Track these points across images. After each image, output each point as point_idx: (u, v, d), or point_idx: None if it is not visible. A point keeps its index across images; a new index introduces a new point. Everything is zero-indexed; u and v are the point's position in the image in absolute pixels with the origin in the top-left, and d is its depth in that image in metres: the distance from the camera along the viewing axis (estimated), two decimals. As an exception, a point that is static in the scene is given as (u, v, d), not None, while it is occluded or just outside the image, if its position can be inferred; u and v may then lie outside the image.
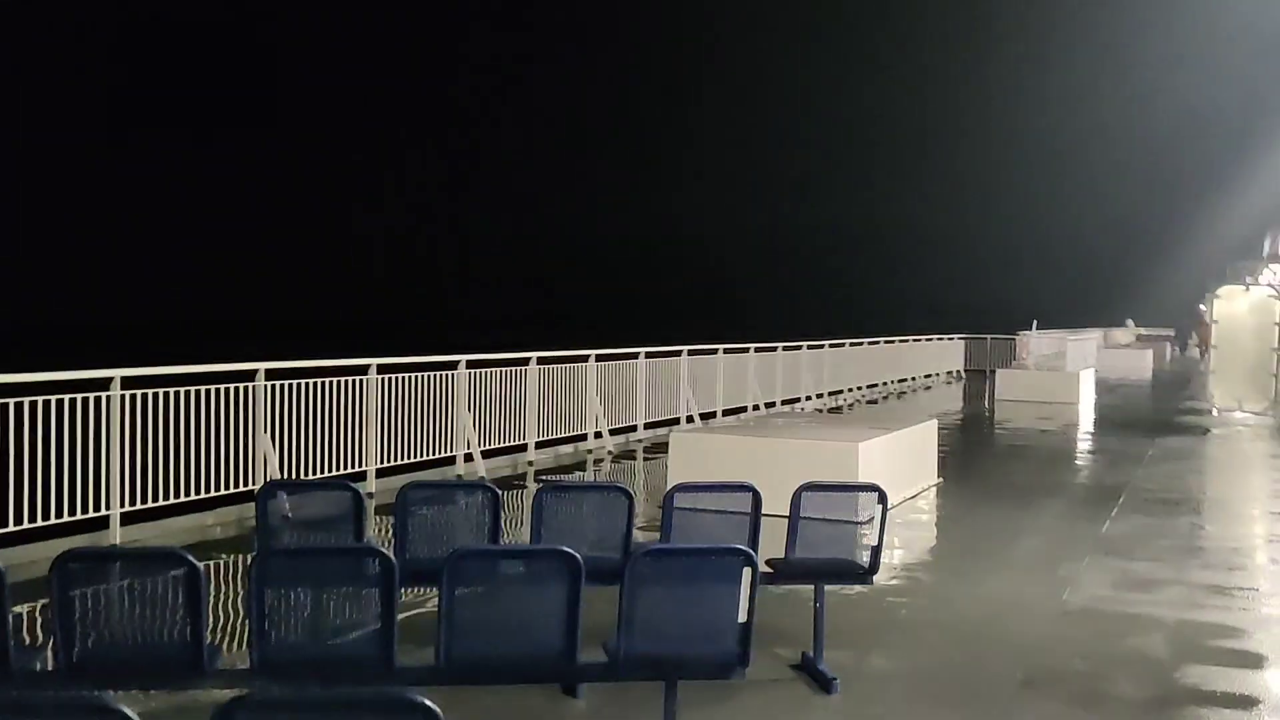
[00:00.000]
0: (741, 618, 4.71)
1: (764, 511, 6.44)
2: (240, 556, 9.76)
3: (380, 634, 4.52)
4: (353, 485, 6.32)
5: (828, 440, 11.62)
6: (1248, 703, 6.34)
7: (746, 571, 4.67)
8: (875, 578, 6.71)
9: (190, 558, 4.45)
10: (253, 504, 10.91)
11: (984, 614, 8.13)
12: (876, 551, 6.45)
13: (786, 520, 6.50)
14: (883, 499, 6.40)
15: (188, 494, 10.41)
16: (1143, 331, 64.22)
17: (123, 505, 9.80)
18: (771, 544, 6.31)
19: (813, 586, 6.60)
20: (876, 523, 6.39)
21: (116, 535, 9.70)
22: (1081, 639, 7.51)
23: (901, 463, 12.46)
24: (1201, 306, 69.24)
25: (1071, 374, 27.52)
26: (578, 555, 4.57)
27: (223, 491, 10.79)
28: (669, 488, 6.65)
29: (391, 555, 4.51)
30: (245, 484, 10.99)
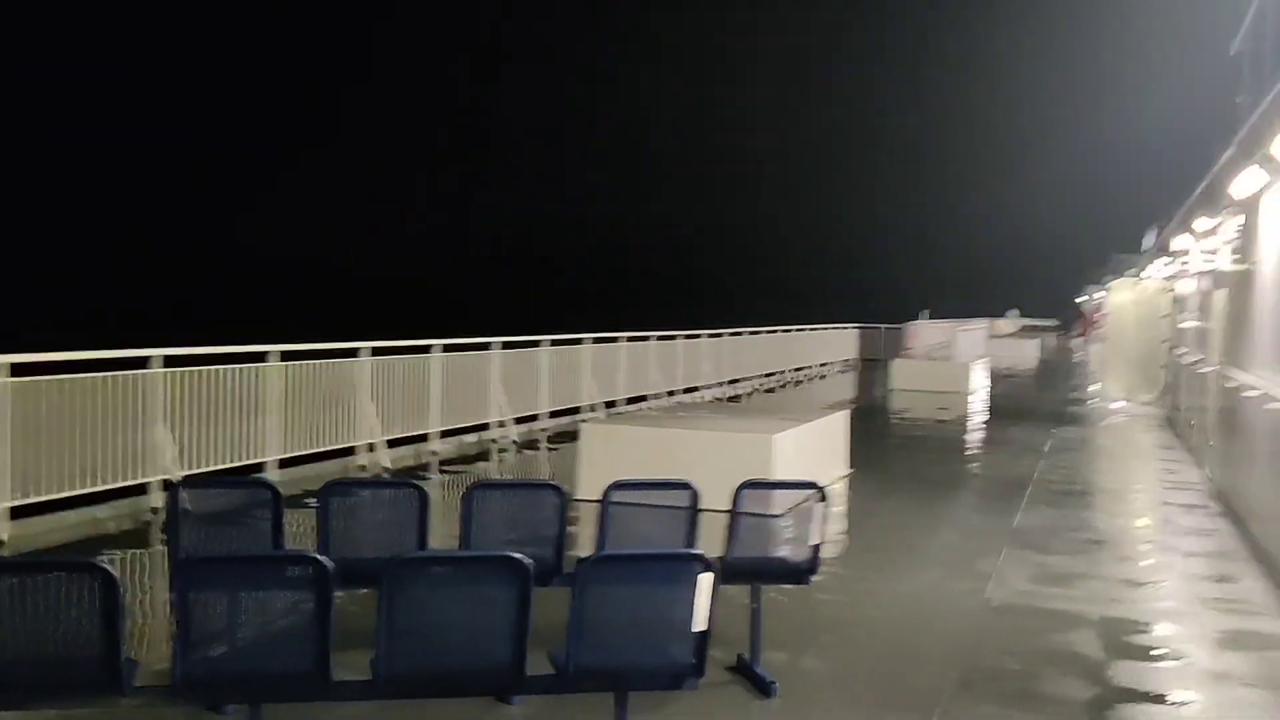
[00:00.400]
0: (698, 626, 4.50)
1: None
2: (139, 554, 9.32)
3: (315, 646, 4.22)
4: (270, 482, 5.98)
5: (743, 432, 11.47)
6: (1182, 703, 6.33)
7: (704, 577, 4.47)
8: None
9: (107, 568, 4.11)
10: (147, 497, 10.55)
11: (911, 611, 8.05)
12: (816, 550, 6.29)
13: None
14: (824, 497, 6.24)
15: (79, 486, 9.89)
16: (1026, 322, 65.66)
17: (10, 499, 9.27)
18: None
19: (746, 586, 6.46)
20: (817, 521, 6.23)
21: (4, 531, 9.17)
22: (1010, 636, 7.45)
23: (814, 454, 12.38)
24: (1083, 298, 71.07)
25: (965, 364, 27.89)
26: (528, 562, 4.32)
27: (115, 484, 10.28)
28: (607, 484, 6.39)
29: (328, 562, 4.20)
30: (139, 476, 10.50)
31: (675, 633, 4.54)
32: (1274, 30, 13.03)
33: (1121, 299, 24.73)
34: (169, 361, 10.87)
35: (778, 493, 6.70)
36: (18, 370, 9.42)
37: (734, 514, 6.27)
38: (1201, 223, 15.02)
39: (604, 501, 6.13)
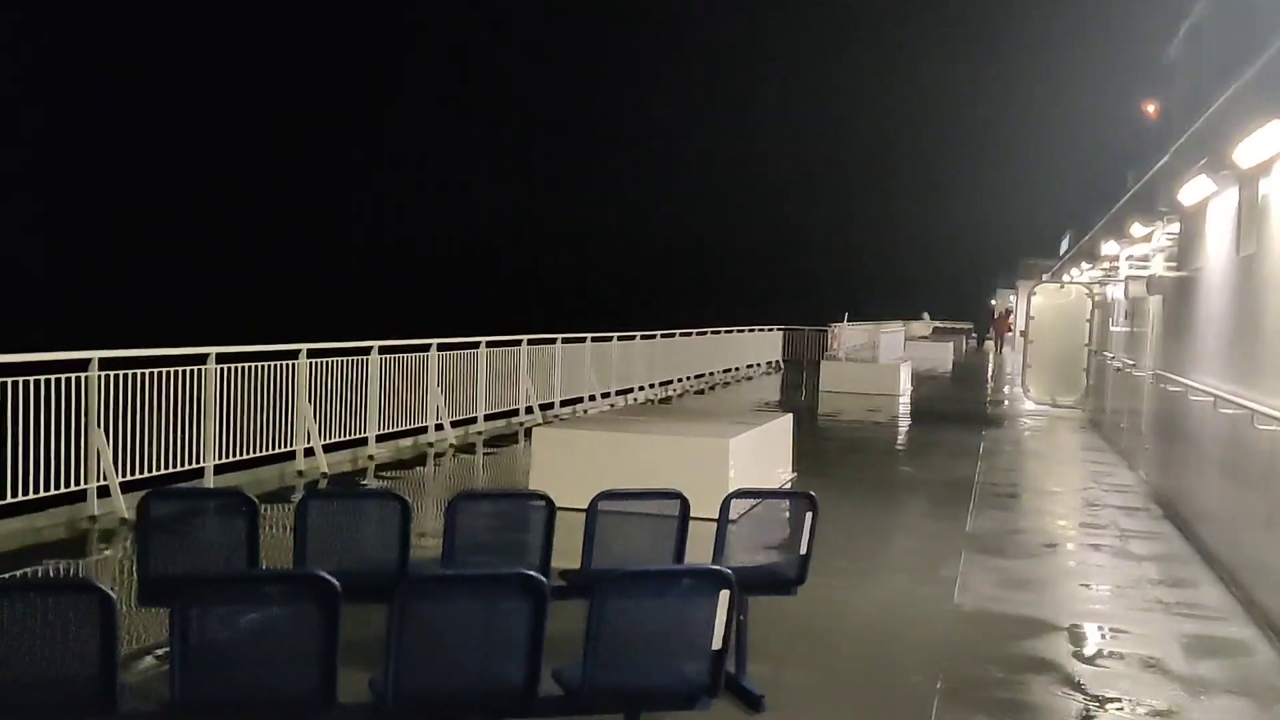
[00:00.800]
0: (715, 644, 4.36)
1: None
2: (81, 564, 8.97)
3: (321, 668, 4.02)
4: (244, 492, 5.72)
5: (696, 436, 11.36)
6: (1170, 712, 6.31)
7: (723, 594, 4.33)
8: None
9: (104, 588, 3.87)
10: (84, 504, 10.16)
11: (884, 618, 7.99)
12: (805, 560, 6.18)
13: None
14: (813, 506, 6.13)
15: (14, 495, 9.48)
16: (938, 324, 66.51)
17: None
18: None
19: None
20: (807, 530, 6.11)
21: (-64, 541, 8.77)
22: (987, 644, 7.41)
23: (764, 457, 12.32)
24: (994, 301, 72.15)
25: (893, 366, 28.07)
26: (544, 579, 4.15)
27: (52, 492, 9.88)
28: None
29: (334, 581, 3.99)
30: (76, 482, 10.10)
31: (692, 651, 4.41)
32: (1212, 37, 13.23)
33: (1044, 303, 25.03)
34: (105, 364, 10.49)
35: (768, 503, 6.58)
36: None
37: (721, 524, 6.13)
38: (1135, 228, 15.21)
39: (591, 511, 5.95)
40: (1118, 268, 19.02)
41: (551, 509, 5.91)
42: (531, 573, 4.14)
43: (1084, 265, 25.66)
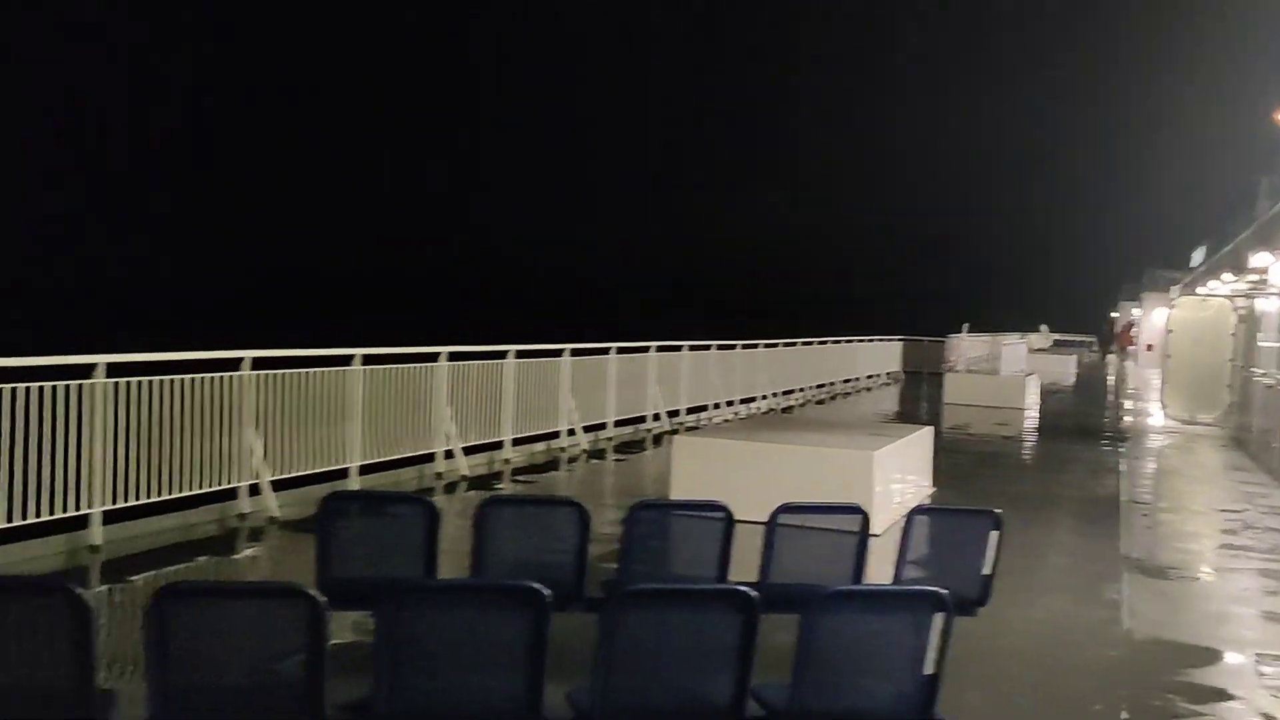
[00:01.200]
0: (928, 669, 4.19)
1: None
2: (233, 561, 9.08)
3: (528, 680, 3.93)
4: (425, 498, 5.68)
5: (840, 448, 11.16)
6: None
7: (938, 617, 4.15)
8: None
9: (312, 592, 3.82)
10: (234, 502, 10.28)
11: (1054, 642, 7.72)
12: (988, 581, 5.97)
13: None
14: (998, 524, 5.92)
15: (170, 491, 9.61)
16: (1057, 337, 65.14)
17: (104, 503, 8.99)
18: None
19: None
20: (991, 549, 5.90)
21: (99, 535, 8.89)
22: (1165, 672, 7.07)
23: (905, 470, 12.06)
24: (1114, 314, 70.54)
25: (1019, 379, 27.47)
26: (753, 594, 4.01)
27: (206, 489, 10.00)
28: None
29: (545, 591, 3.90)
30: (228, 480, 10.21)
31: (903, 675, 4.23)
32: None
33: (1183, 316, 24.31)
34: (256, 364, 10.60)
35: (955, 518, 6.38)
36: (113, 371, 9.15)
37: (905, 541, 5.95)
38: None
39: (771, 524, 5.81)
40: (1267, 280, 18.34)
41: (730, 520, 5.77)
42: (744, 588, 4.00)
43: (1226, 277, 24.79)
